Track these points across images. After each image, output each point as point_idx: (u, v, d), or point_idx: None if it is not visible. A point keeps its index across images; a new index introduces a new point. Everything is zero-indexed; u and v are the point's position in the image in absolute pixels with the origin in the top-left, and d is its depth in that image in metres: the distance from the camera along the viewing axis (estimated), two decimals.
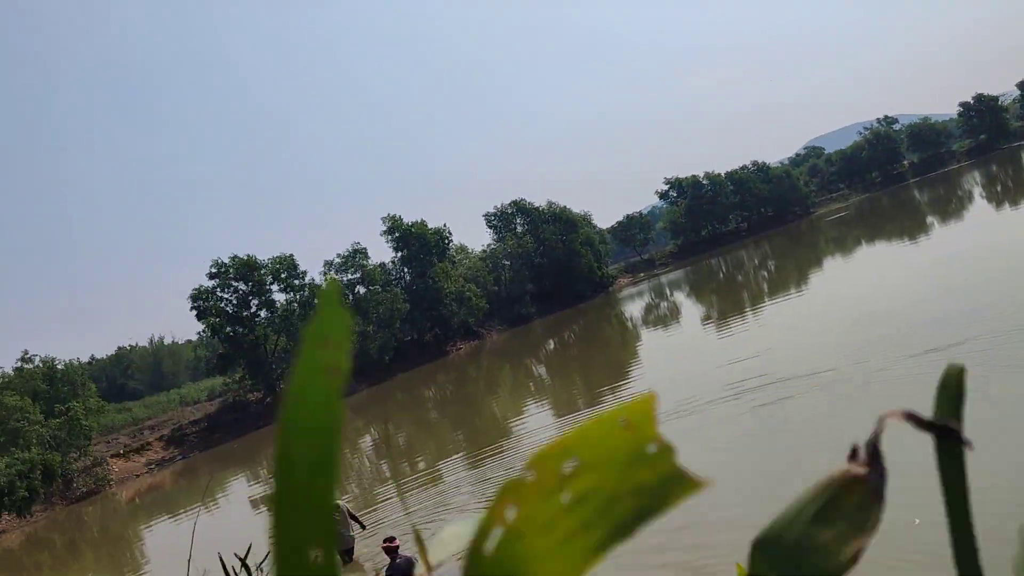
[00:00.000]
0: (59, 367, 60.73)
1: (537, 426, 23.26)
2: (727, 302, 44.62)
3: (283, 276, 64.73)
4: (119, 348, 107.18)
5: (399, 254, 74.78)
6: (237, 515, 26.48)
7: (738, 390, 16.99)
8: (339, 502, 13.82)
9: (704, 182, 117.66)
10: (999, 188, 68.36)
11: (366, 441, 36.81)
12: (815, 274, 45.86)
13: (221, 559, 6.42)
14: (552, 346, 56.51)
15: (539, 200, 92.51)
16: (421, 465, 23.93)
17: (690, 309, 48.66)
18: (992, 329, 14.70)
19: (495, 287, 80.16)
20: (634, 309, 63.86)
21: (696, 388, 18.40)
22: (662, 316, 51.21)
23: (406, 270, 74.60)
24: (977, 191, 71.61)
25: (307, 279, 66.19)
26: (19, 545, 40.28)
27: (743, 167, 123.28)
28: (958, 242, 36.41)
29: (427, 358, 68.16)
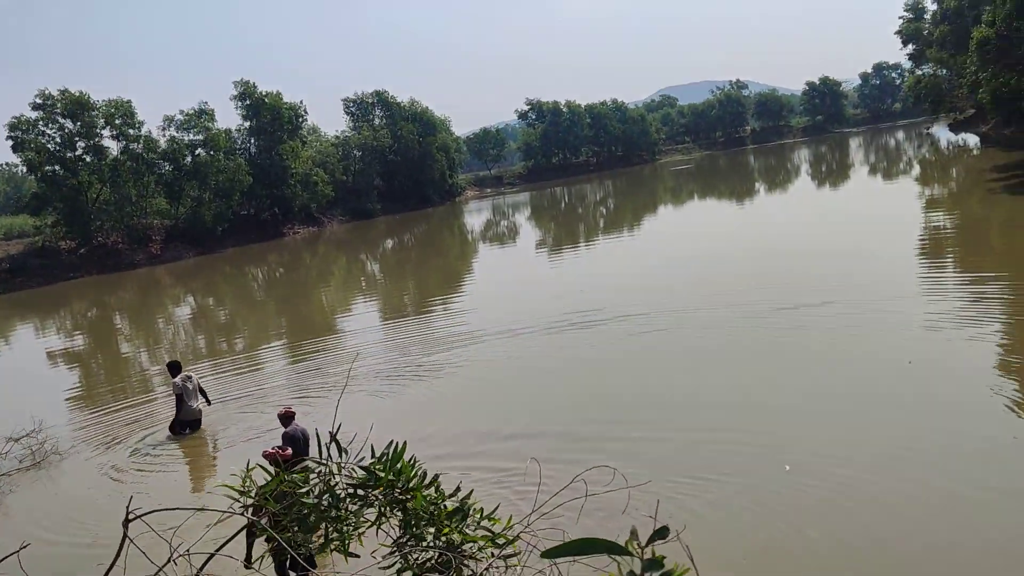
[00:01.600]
0: None
1: (361, 326, 23.61)
2: (565, 231, 47.11)
3: (117, 122, 60.61)
4: None
5: (248, 124, 71.90)
6: (31, 368, 25.34)
7: (557, 320, 18.74)
8: (190, 373, 14.46)
9: (564, 110, 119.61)
10: (823, 168, 74.28)
11: (185, 311, 36.06)
12: (648, 218, 49.04)
13: None
14: (391, 246, 57.04)
15: (402, 95, 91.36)
16: (239, 345, 23.60)
17: (530, 232, 50.64)
18: (759, 292, 17.18)
19: (344, 176, 79.13)
20: (477, 223, 65.35)
21: (523, 314, 19.99)
22: (502, 234, 52.98)
23: (253, 141, 71.97)
24: (804, 168, 77.49)
25: (143, 130, 62.54)
26: None
27: (602, 103, 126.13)
28: (775, 212, 40.35)
29: (262, 237, 66.90)
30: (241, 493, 4.60)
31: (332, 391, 15.04)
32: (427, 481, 4.44)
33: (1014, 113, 43.81)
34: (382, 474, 4.36)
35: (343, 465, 4.48)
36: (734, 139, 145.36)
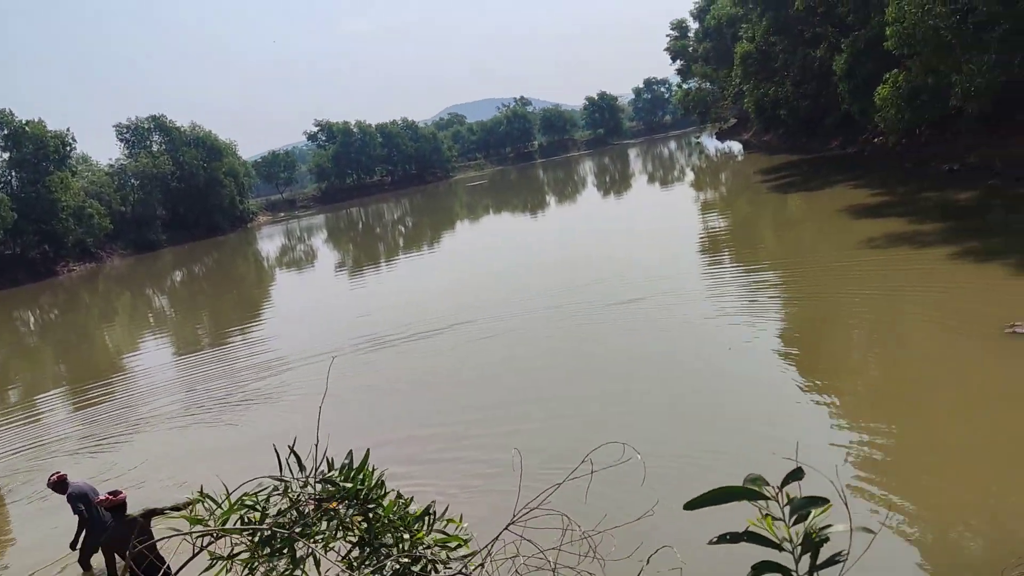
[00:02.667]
0: None
1: (154, 363, 22.25)
2: (365, 252, 46.68)
3: None
4: None
5: (7, 155, 65.87)
6: None
7: (357, 341, 18.60)
8: None
9: (355, 130, 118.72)
10: (607, 179, 78.31)
11: None
12: (445, 235, 49.59)
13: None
14: (181, 278, 54.14)
15: (182, 120, 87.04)
16: (12, 397, 21.54)
17: (329, 255, 49.76)
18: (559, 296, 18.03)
19: (122, 207, 74.12)
20: (272, 248, 63.33)
21: (327, 339, 19.65)
22: (299, 259, 51.67)
23: (14, 174, 65.94)
24: (591, 179, 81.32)
25: None
26: None
27: (393, 121, 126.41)
28: (564, 221, 42.13)
29: (31, 277, 61.27)
30: (199, 522, 4.26)
31: (136, 434, 14.24)
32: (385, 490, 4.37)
33: (773, 120, 48.32)
34: (348, 484, 4.22)
35: (306, 479, 4.31)
36: (523, 154, 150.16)
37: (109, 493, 7.76)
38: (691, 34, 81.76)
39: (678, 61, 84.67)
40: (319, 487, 4.32)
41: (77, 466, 12.95)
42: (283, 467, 4.42)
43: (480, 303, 20.85)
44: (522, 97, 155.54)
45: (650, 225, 32.81)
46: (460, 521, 4.52)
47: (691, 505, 1.86)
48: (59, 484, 8.83)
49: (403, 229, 61.44)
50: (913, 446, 9.00)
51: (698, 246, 24.88)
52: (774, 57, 40.82)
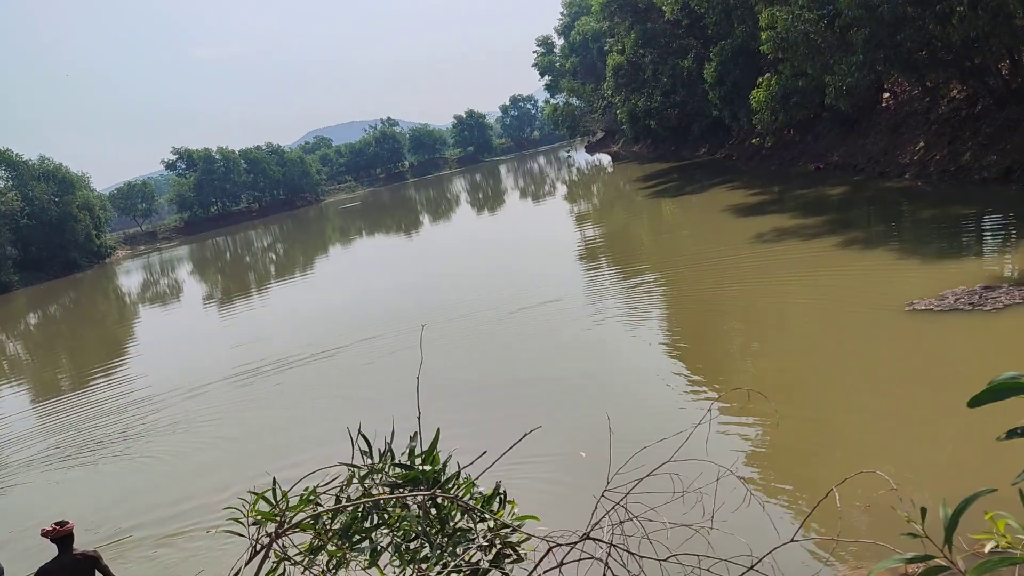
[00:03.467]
0: None
1: (8, 412, 20.48)
2: (234, 282, 44.83)
3: None
4: None
5: None
6: None
7: (236, 373, 17.83)
8: None
9: (217, 157, 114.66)
10: (480, 196, 78.63)
11: None
12: (320, 260, 48.34)
13: None
14: (37, 320, 50.54)
15: (29, 152, 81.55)
16: None
17: (195, 288, 47.53)
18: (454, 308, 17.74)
19: None
20: (134, 284, 60.04)
21: (200, 372, 18.70)
22: (164, 293, 49.11)
23: None
24: (464, 196, 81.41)
25: None
26: None
27: (258, 147, 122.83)
28: (444, 238, 41.88)
29: None
30: (268, 517, 3.63)
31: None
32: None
33: (644, 130, 49.64)
34: (427, 467, 3.88)
35: (383, 465, 3.79)
36: (394, 174, 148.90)
37: (55, 523, 6.67)
38: (557, 50, 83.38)
39: (546, 76, 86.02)
40: (394, 471, 3.87)
41: None
42: (354, 452, 4.00)
43: (370, 322, 20.28)
44: (389, 118, 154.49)
45: (533, 237, 32.94)
46: (515, 503, 4.25)
47: (974, 402, 1.86)
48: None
49: (274, 256, 59.52)
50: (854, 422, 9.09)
51: (583, 254, 25.07)
52: (644, 68, 41.99)
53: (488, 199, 71.50)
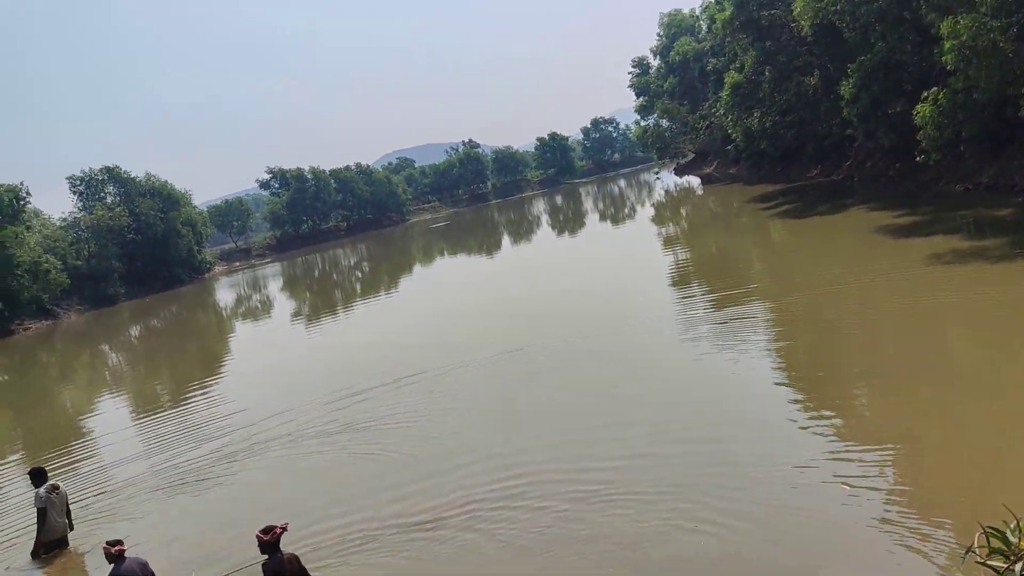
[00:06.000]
0: None
1: (116, 426, 20.60)
2: (326, 300, 45.31)
3: None
4: None
5: None
6: None
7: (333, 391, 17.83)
8: (57, 483, 11.46)
9: (308, 176, 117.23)
10: (561, 218, 78.18)
11: None
12: (410, 277, 48.31)
13: None
14: (140, 332, 51.95)
15: (136, 170, 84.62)
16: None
17: (287, 304, 48.25)
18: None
19: (78, 261, 71.19)
20: (232, 299, 61.41)
21: (293, 395, 18.61)
22: (258, 309, 50.07)
23: None
24: (545, 219, 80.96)
25: None
26: None
27: (347, 167, 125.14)
28: (562, 260, 41.13)
29: None
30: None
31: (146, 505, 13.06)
32: None
33: (755, 151, 48.54)
34: None
35: None
36: (477, 195, 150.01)
37: (261, 531, 7.20)
38: (652, 71, 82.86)
39: (641, 97, 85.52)
40: None
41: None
42: None
43: (450, 345, 20.53)
44: (471, 140, 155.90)
45: (641, 261, 32.00)
46: None
47: None
48: (114, 556, 8.24)
49: (359, 274, 60.02)
50: None
51: (674, 277, 24.39)
52: (761, 86, 41.19)
53: (567, 223, 70.66)
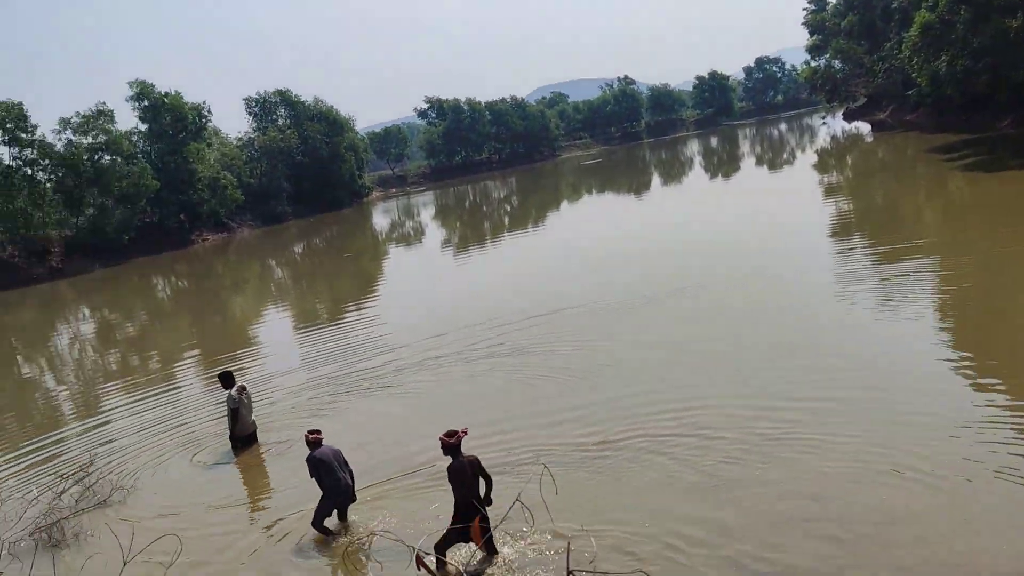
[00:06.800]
0: None
1: (276, 339, 22.34)
2: (479, 231, 46.34)
3: (8, 126, 55.77)
4: None
5: (147, 126, 67.62)
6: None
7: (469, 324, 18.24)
8: (244, 384, 12.72)
9: (465, 107, 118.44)
10: (715, 160, 75.77)
11: (90, 328, 33.34)
12: (558, 214, 48.44)
13: None
14: (303, 250, 54.87)
15: (305, 94, 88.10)
16: (153, 364, 21.85)
17: (440, 232, 49.76)
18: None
19: (251, 179, 75.55)
20: (389, 224, 63.72)
21: (455, 319, 19.17)
22: (412, 234, 51.79)
23: (156, 146, 67.53)
24: (698, 160, 78.76)
25: (38, 134, 57.68)
26: None
27: (502, 99, 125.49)
28: (723, 205, 40.09)
29: (169, 245, 62.71)
30: None
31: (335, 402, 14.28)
32: None
33: (941, 96, 45.35)
34: None
35: None
36: (630, 134, 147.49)
37: (445, 434, 7.68)
38: (829, 8, 78.40)
39: (815, 36, 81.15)
40: None
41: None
42: None
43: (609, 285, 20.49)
44: (626, 76, 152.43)
45: (818, 204, 30.95)
46: None
47: None
48: (311, 444, 9.10)
49: (508, 208, 60.60)
50: None
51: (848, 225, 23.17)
52: (955, 28, 38.26)
53: (721, 165, 68.42)
